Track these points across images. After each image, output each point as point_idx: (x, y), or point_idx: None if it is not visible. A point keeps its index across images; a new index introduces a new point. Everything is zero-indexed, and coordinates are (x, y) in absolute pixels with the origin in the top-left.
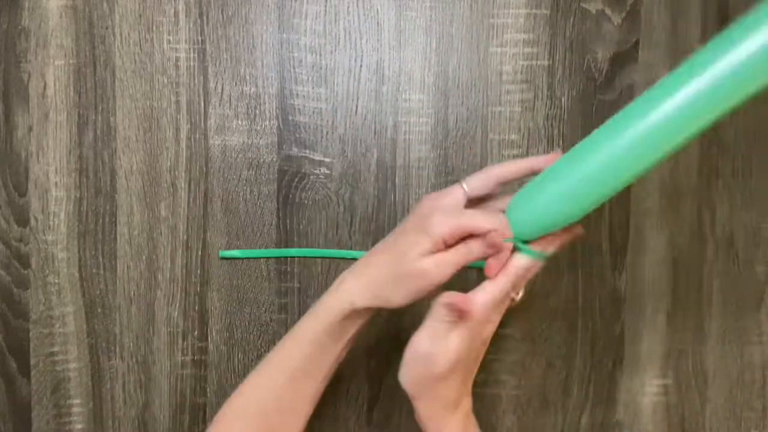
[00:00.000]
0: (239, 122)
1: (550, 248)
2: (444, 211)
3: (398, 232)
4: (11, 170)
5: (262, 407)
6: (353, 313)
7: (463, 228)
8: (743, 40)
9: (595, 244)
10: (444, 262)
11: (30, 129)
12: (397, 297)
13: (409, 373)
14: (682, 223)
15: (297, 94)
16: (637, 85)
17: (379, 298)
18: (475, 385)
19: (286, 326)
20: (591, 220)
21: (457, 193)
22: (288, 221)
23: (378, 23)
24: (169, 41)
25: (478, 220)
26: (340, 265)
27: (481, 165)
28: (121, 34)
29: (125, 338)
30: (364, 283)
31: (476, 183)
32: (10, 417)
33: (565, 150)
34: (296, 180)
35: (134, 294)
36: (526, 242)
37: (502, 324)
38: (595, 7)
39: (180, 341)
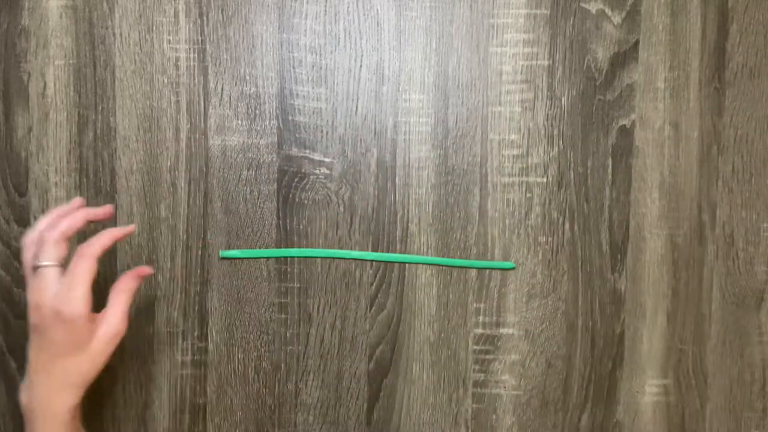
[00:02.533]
0: (239, 122)
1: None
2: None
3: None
4: (11, 170)
5: None
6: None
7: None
8: None
9: (595, 244)
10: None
11: (30, 129)
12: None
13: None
14: (682, 223)
15: (297, 94)
16: (637, 85)
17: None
18: (475, 385)
19: (286, 326)
20: (591, 219)
21: (49, 276)
22: (288, 221)
23: (378, 23)
24: (169, 41)
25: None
26: (340, 265)
27: (481, 165)
28: (121, 34)
29: (125, 338)
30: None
31: (54, 251)
32: (10, 417)
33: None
34: (296, 180)
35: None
36: None
37: (503, 324)
38: (595, 7)
39: (180, 341)
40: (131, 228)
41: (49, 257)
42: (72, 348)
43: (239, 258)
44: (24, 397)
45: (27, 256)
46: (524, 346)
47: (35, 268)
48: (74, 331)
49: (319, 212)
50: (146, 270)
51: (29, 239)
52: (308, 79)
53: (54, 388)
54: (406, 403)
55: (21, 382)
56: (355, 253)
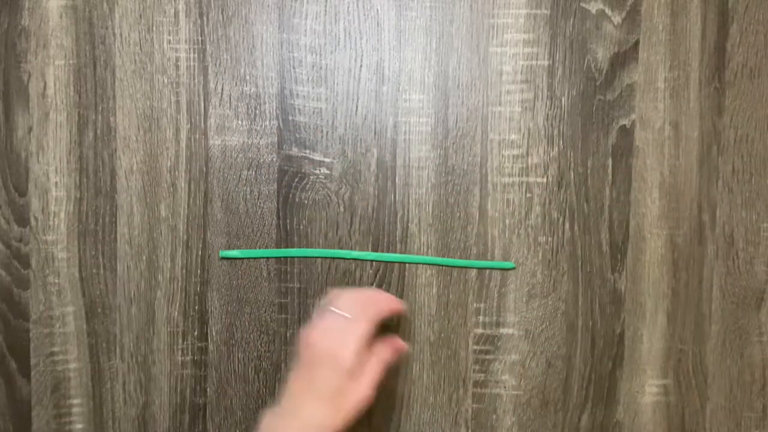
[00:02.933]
0: (239, 122)
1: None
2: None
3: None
4: (11, 170)
5: None
6: None
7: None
8: None
9: (595, 244)
10: (370, 381)
11: (30, 129)
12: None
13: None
14: (682, 223)
15: (297, 94)
16: (637, 85)
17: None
18: (475, 385)
19: (286, 326)
20: (591, 219)
21: (335, 322)
22: (288, 221)
23: (378, 23)
24: (169, 41)
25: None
26: (340, 265)
27: (481, 165)
28: (121, 34)
29: (125, 338)
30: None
31: (350, 307)
32: (10, 417)
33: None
34: (296, 180)
35: (134, 294)
36: None
37: (503, 324)
38: (595, 7)
39: (180, 341)
40: (402, 309)
41: (344, 309)
42: (327, 394)
43: (239, 258)
44: (270, 421)
45: (325, 300)
46: (524, 346)
47: (328, 311)
48: (336, 378)
49: (319, 212)
50: (404, 346)
51: (335, 291)
52: (308, 79)
53: (299, 425)
54: (406, 403)
55: (271, 405)
56: (355, 253)
